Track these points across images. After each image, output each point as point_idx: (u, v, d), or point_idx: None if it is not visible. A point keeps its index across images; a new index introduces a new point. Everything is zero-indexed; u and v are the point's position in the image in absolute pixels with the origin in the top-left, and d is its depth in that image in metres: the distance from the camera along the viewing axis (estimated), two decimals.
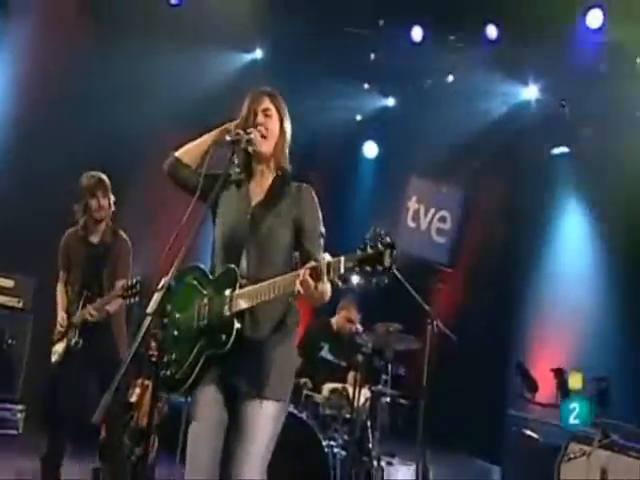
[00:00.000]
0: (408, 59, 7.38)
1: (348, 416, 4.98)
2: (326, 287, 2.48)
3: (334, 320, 5.76)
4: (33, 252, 5.37)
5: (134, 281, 4.08)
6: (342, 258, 2.33)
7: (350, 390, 5.04)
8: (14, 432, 4.92)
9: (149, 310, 2.33)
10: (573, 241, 7.54)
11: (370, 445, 5.02)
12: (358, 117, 8.53)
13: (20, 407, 4.97)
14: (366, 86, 8.17)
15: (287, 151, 2.85)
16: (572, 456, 5.14)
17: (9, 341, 4.97)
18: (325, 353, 5.50)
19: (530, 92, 7.47)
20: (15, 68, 6.25)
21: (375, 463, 4.96)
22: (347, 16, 7.25)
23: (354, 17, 7.28)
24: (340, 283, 2.40)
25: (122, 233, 4.72)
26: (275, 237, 2.71)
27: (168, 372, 2.69)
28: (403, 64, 7.48)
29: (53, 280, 4.71)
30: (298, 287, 2.40)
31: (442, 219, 8.25)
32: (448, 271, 7.78)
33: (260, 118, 2.78)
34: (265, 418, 2.61)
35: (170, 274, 2.37)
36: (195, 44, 6.78)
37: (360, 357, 4.95)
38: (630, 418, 5.26)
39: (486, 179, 7.95)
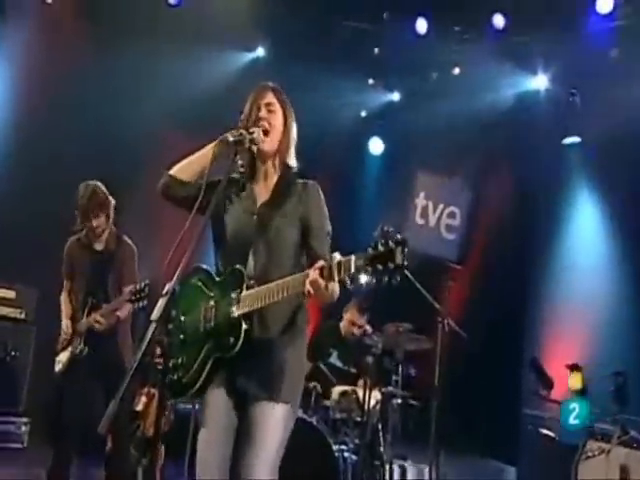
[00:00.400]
0: (413, 52, 7.32)
1: (358, 419, 4.92)
2: (336, 286, 2.44)
3: (342, 324, 5.68)
4: (34, 261, 5.34)
5: (142, 285, 4.01)
6: (353, 257, 2.28)
7: (360, 393, 4.96)
8: (19, 446, 4.87)
9: (153, 317, 2.28)
10: (587, 232, 7.47)
11: (381, 448, 4.96)
12: (363, 113, 8.45)
13: (25, 420, 4.91)
14: (371, 81, 8.10)
15: (293, 148, 2.79)
16: (590, 454, 5.05)
17: (12, 353, 4.93)
18: (334, 360, 5.45)
19: (539, 81, 7.40)
20: (13, 73, 6.22)
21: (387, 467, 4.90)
22: (350, 10, 7.18)
23: (357, 11, 7.20)
24: (348, 282, 2.33)
25: (126, 238, 4.68)
26: (283, 237, 2.66)
27: (175, 376, 2.63)
28: (408, 58, 7.42)
29: (55, 290, 4.68)
30: (308, 287, 2.35)
31: (451, 215, 8.15)
32: (458, 268, 7.67)
33: (263, 113, 2.72)
34: (275, 421, 2.55)
35: (174, 279, 2.32)
36: (195, 44, 6.73)
37: (370, 359, 4.87)
38: None
39: (495, 172, 7.87)
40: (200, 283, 2.71)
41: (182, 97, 6.63)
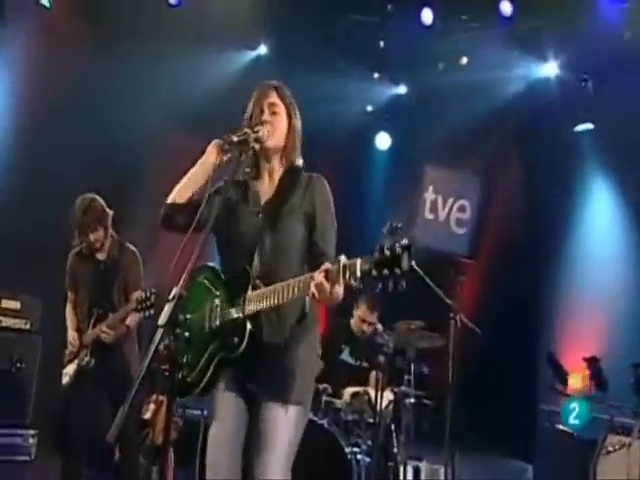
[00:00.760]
0: (419, 44, 7.21)
1: (371, 420, 4.84)
2: (340, 289, 2.37)
3: (352, 321, 5.61)
4: (37, 270, 5.31)
5: (149, 293, 3.94)
6: (359, 261, 2.23)
7: (372, 393, 4.89)
8: (27, 458, 4.82)
9: (161, 322, 2.23)
10: (602, 220, 7.36)
11: (395, 450, 4.91)
12: (369, 108, 8.32)
13: (32, 432, 4.87)
14: (376, 75, 7.95)
15: (299, 145, 2.75)
16: (611, 448, 4.95)
17: (18, 364, 4.88)
18: (346, 356, 5.39)
19: (550, 68, 7.22)
20: (13, 78, 6.18)
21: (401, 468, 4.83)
22: (353, 3, 7.09)
23: (360, 4, 7.10)
24: (354, 284, 2.28)
25: (129, 245, 4.64)
26: (291, 233, 2.63)
27: (179, 375, 2.60)
28: (414, 49, 7.29)
29: (60, 299, 4.65)
30: (313, 290, 2.31)
31: (461, 208, 8.04)
32: (469, 262, 7.56)
33: (266, 115, 2.68)
34: (288, 422, 2.54)
35: (181, 284, 2.27)
36: (197, 44, 6.65)
37: (382, 358, 4.79)
38: None
39: (506, 163, 7.76)
40: (206, 281, 2.69)
41: (184, 98, 6.56)
